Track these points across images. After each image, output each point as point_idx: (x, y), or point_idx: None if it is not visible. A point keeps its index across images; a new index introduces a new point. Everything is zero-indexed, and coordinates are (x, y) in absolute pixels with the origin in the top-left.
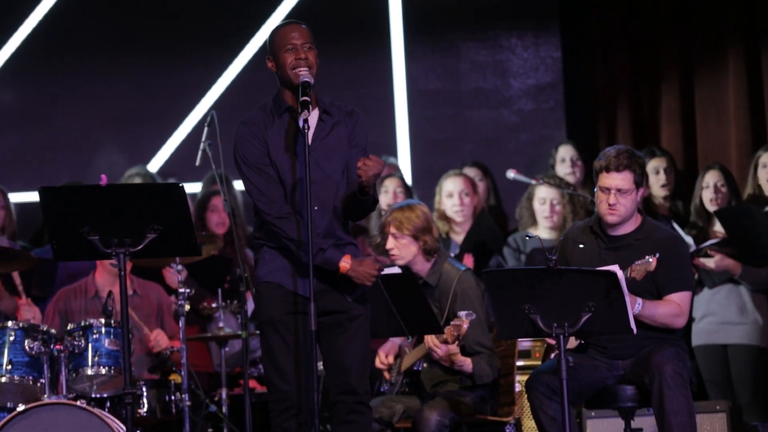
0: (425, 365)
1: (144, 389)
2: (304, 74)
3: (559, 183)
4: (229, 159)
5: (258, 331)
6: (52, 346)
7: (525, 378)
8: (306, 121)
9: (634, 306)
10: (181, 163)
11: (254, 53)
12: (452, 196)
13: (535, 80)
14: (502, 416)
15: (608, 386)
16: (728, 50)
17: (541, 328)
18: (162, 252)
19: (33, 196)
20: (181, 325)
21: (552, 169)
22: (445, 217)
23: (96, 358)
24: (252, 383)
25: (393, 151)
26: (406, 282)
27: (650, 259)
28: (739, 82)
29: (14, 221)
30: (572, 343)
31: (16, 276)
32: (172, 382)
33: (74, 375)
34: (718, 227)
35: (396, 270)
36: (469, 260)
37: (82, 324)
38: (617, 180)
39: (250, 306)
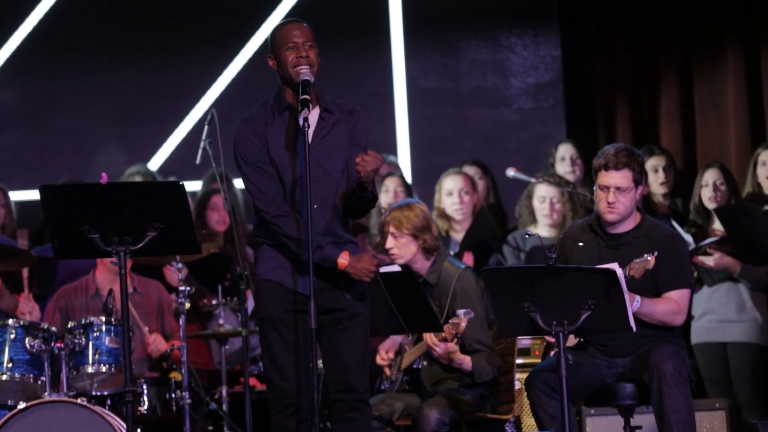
0: (425, 363)
1: (144, 387)
2: (305, 73)
3: (558, 181)
4: (230, 157)
5: (258, 329)
6: (52, 344)
7: (525, 376)
8: (306, 119)
9: (633, 304)
10: (182, 161)
11: (254, 52)
12: (452, 194)
13: (535, 79)
14: (502, 414)
15: (608, 384)
16: (727, 49)
17: (540, 326)
18: (162, 250)
19: (33, 195)
20: (181, 322)
21: (552, 168)
22: (444, 216)
23: (96, 356)
24: (252, 381)
25: (393, 150)
26: (406, 280)
27: (649, 258)
28: (738, 81)
29: (14, 219)
30: (571, 341)
31: (24, 270)
32: (173, 379)
33: (75, 373)
34: (717, 225)
35: (396, 268)
36: (468, 258)
37: (83, 322)
38: (616, 178)
39: (251, 304)
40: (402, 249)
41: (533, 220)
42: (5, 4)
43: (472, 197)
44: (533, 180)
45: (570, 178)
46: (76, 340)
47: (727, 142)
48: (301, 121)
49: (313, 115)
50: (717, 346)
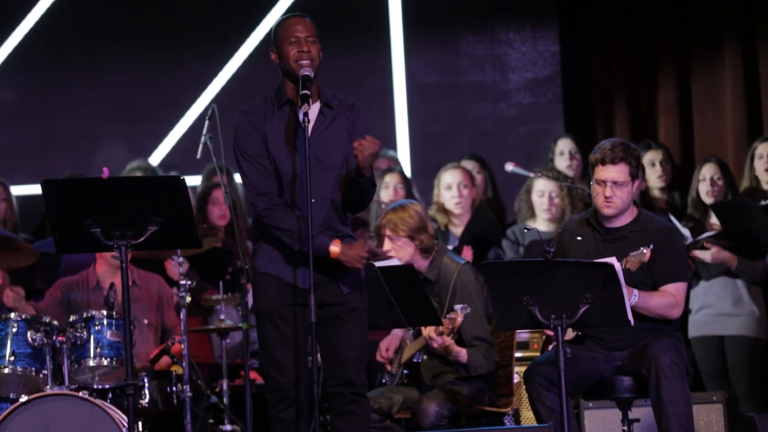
0: (425, 357)
1: (146, 380)
2: (306, 68)
3: (557, 176)
4: (230, 152)
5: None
6: (54, 338)
7: (523, 369)
8: (306, 114)
9: (630, 297)
10: (183, 156)
11: (255, 47)
12: (451, 188)
13: (534, 74)
14: (501, 407)
15: (606, 377)
16: (724, 43)
17: (539, 320)
18: (163, 244)
19: (35, 189)
20: (182, 316)
21: (551, 162)
22: (444, 210)
23: (98, 350)
24: (252, 374)
25: (392, 145)
26: (406, 274)
27: (644, 251)
28: (735, 76)
29: (16, 214)
30: (569, 334)
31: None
32: (174, 373)
33: (76, 366)
34: (714, 220)
35: (396, 262)
36: (468, 252)
37: (84, 316)
38: (613, 172)
39: (251, 298)
40: (399, 251)
41: (532, 215)
42: (7, 0)
43: (471, 191)
44: (532, 174)
45: (569, 172)
46: (78, 334)
47: (725, 136)
48: (300, 116)
49: (313, 109)
50: (714, 340)
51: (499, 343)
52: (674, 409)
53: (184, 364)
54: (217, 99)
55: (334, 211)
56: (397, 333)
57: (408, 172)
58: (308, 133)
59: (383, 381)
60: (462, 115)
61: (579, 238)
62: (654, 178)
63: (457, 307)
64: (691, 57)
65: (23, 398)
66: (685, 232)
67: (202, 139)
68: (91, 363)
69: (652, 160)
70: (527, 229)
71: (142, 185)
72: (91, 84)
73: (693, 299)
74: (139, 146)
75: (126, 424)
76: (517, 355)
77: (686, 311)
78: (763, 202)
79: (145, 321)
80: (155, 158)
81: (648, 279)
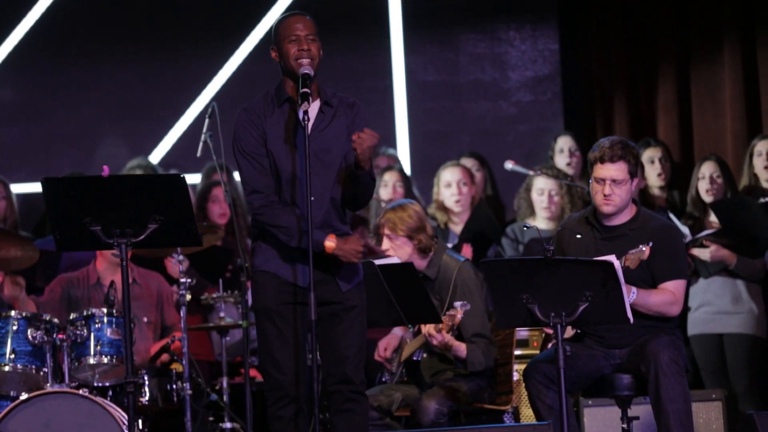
0: (425, 355)
1: (146, 378)
2: (305, 66)
3: (557, 174)
4: (230, 150)
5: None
6: (54, 336)
7: (523, 367)
8: (306, 113)
9: (629, 295)
10: (183, 154)
11: (255, 45)
12: (450, 186)
13: (533, 72)
14: (500, 405)
15: (605, 375)
16: (724, 42)
17: (538, 318)
18: (163, 242)
19: (35, 187)
20: (182, 314)
21: (551, 160)
22: (443, 208)
23: (98, 348)
24: (252, 372)
25: (392, 143)
26: (405, 272)
27: (643, 248)
28: (734, 74)
29: (16, 212)
30: (569, 332)
31: None
32: (174, 371)
33: (76, 364)
34: (713, 218)
35: (395, 260)
36: (467, 250)
37: (85, 313)
38: (612, 170)
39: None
40: (398, 251)
41: (532, 213)
42: (6, 0)
43: (471, 189)
44: (531, 173)
45: (568, 170)
46: (78, 332)
47: (724, 134)
48: (300, 115)
49: (313, 108)
50: (713, 338)
51: (498, 340)
52: (673, 406)
53: (184, 362)
54: (217, 97)
55: (334, 209)
56: (396, 332)
57: (408, 171)
58: (308, 132)
59: (383, 379)
60: (462, 114)
61: (578, 236)
62: (653, 176)
63: (457, 303)
64: (691, 56)
65: (23, 396)
66: (685, 230)
67: (202, 137)
68: (92, 361)
69: (651, 158)
70: (527, 227)
71: (142, 183)
72: (91, 82)
73: (692, 297)
74: (139, 144)
75: (126, 422)
76: (517, 352)
77: (685, 309)
78: (762, 200)
79: (145, 319)
80: (155, 156)
81: (647, 277)
